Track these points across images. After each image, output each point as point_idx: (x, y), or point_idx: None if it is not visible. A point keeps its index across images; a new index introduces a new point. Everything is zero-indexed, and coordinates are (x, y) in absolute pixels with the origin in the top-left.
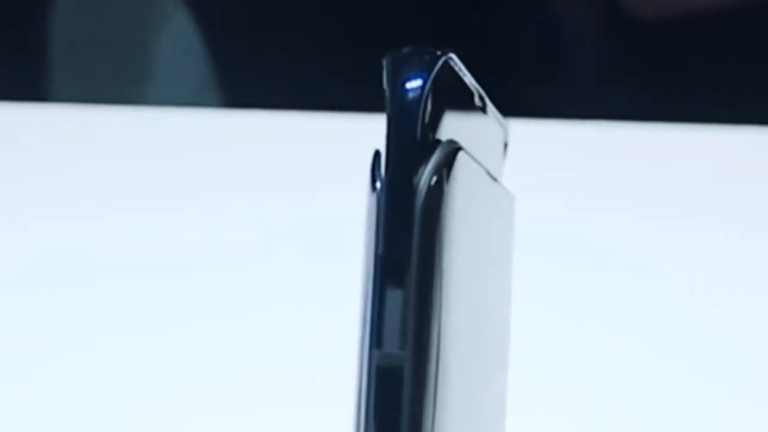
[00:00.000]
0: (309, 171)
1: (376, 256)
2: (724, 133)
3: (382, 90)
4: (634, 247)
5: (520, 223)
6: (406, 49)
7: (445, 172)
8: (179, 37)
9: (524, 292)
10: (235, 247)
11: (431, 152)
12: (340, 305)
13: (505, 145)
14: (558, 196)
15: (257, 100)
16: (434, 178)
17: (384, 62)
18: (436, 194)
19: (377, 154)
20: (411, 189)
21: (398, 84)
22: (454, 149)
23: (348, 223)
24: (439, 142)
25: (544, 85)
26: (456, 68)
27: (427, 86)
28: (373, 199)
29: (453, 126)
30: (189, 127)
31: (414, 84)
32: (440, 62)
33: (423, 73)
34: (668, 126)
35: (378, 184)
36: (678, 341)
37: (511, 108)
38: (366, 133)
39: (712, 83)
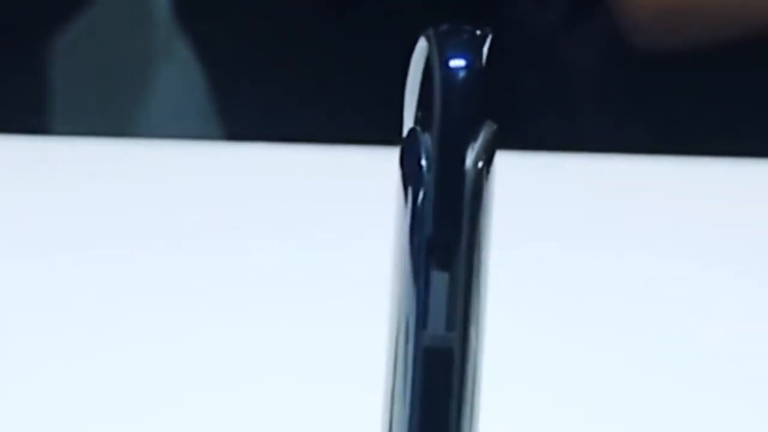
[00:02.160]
0: (312, 203)
1: (423, 238)
2: (725, 165)
3: (385, 120)
4: (636, 277)
5: (519, 253)
6: (445, 27)
7: (490, 154)
8: (179, 70)
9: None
10: (234, 280)
11: (479, 133)
12: (347, 326)
13: None
14: (557, 226)
15: (258, 133)
16: (482, 161)
17: (426, 38)
18: (485, 177)
19: (413, 132)
20: (461, 170)
21: (447, 61)
22: (495, 130)
23: (352, 253)
24: (483, 122)
25: (544, 118)
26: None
27: (478, 65)
28: (417, 179)
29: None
30: (190, 159)
31: (465, 62)
32: (487, 40)
33: (473, 50)
34: (668, 159)
35: (424, 163)
36: (664, 364)
37: (512, 141)
38: (369, 165)
39: (710, 116)
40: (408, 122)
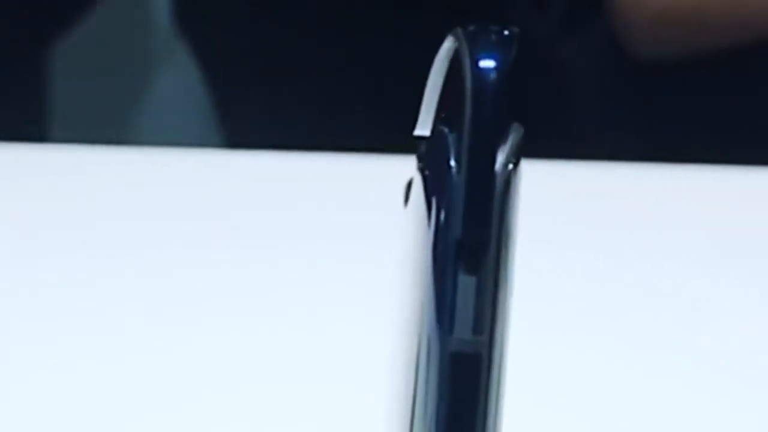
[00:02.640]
0: (313, 211)
1: (451, 240)
2: (726, 173)
3: (387, 127)
4: (636, 287)
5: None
6: (473, 27)
7: (519, 156)
8: (180, 78)
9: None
10: (234, 288)
11: (508, 135)
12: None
13: None
14: (558, 235)
15: (259, 140)
16: (511, 164)
17: (455, 38)
18: (513, 180)
19: (440, 132)
20: (493, 173)
21: (478, 61)
22: (522, 133)
23: (355, 260)
24: (512, 124)
25: (542, 126)
26: None
27: (509, 65)
28: (446, 180)
29: None
30: (189, 167)
31: (497, 62)
32: (516, 40)
33: (503, 51)
34: (668, 167)
35: (453, 164)
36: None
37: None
38: (371, 172)
39: (712, 124)
40: (425, 121)
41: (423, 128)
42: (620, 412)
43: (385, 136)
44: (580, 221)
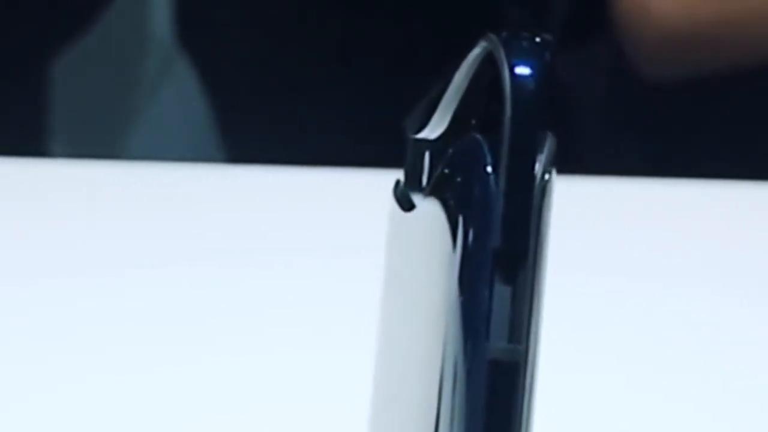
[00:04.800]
0: (315, 226)
1: (488, 248)
2: (727, 188)
3: (387, 145)
4: (644, 306)
5: None
6: (507, 34)
7: (554, 165)
8: (180, 92)
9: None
10: (234, 303)
11: (544, 143)
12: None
13: None
14: (560, 250)
15: (260, 155)
16: (548, 173)
17: (487, 43)
18: (550, 189)
19: (474, 138)
20: (532, 181)
21: (516, 67)
22: (555, 142)
23: (351, 278)
24: (547, 132)
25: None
26: None
27: (546, 74)
28: (483, 187)
29: None
30: (191, 182)
31: (535, 70)
32: (551, 46)
33: (541, 57)
34: (669, 181)
35: (489, 169)
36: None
37: None
38: (376, 188)
39: (714, 140)
40: (438, 124)
41: (433, 131)
42: (632, 425)
43: (391, 150)
44: (584, 237)
